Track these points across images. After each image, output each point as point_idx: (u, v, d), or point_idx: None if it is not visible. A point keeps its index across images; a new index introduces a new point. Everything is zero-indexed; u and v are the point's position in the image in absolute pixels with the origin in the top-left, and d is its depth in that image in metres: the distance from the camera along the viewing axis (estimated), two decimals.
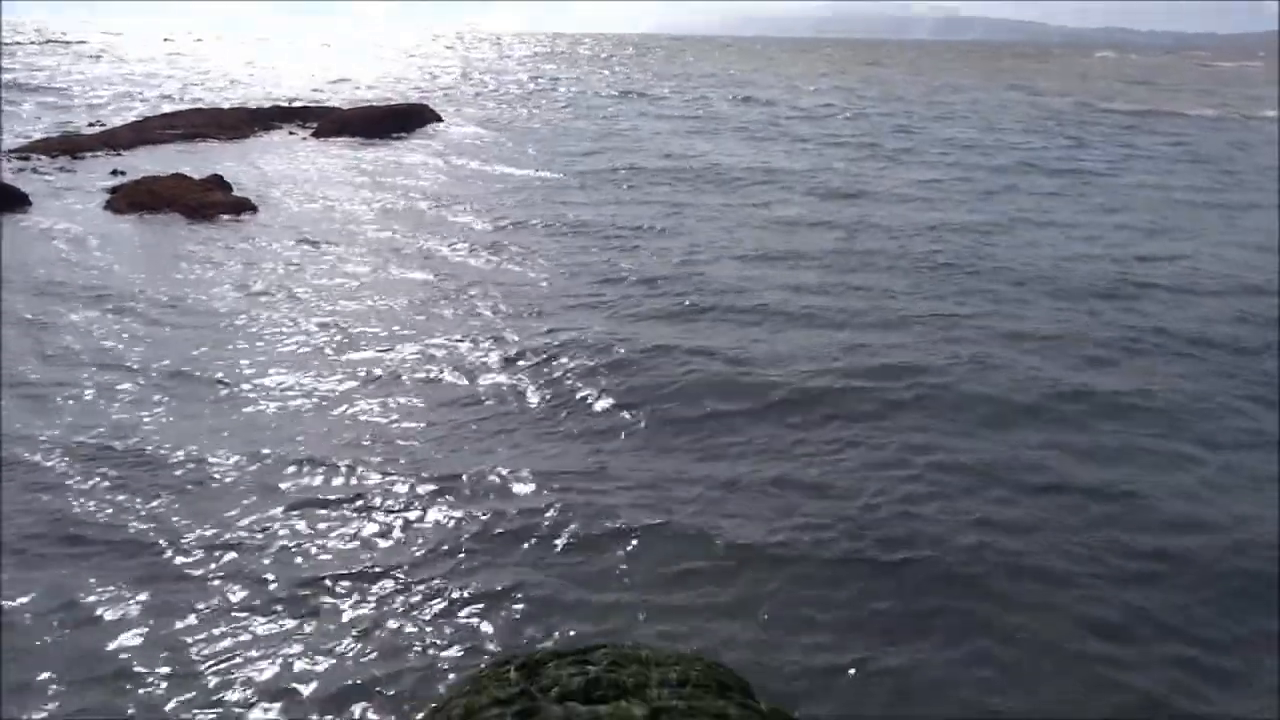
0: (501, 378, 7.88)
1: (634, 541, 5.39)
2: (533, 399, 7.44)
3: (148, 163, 17.93)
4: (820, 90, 34.13)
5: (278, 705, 4.25)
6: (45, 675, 4.35)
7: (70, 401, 7.39)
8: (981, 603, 4.86)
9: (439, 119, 25.31)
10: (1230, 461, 6.40)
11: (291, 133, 23.33)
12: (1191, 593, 4.96)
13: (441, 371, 8.06)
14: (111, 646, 4.58)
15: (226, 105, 26.86)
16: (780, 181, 16.98)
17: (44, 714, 4.12)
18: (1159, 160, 20.51)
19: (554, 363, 8.06)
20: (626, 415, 7.08)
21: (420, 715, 3.94)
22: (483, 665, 4.05)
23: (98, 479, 6.10)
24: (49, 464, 6.30)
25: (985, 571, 5.09)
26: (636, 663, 3.51)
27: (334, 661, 4.57)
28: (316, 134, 23.07)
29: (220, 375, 7.98)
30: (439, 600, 5.05)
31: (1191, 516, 5.67)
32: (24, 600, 4.89)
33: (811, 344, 8.55)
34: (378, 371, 8.09)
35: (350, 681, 4.44)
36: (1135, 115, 28.99)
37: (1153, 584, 5.02)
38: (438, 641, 4.69)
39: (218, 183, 15.46)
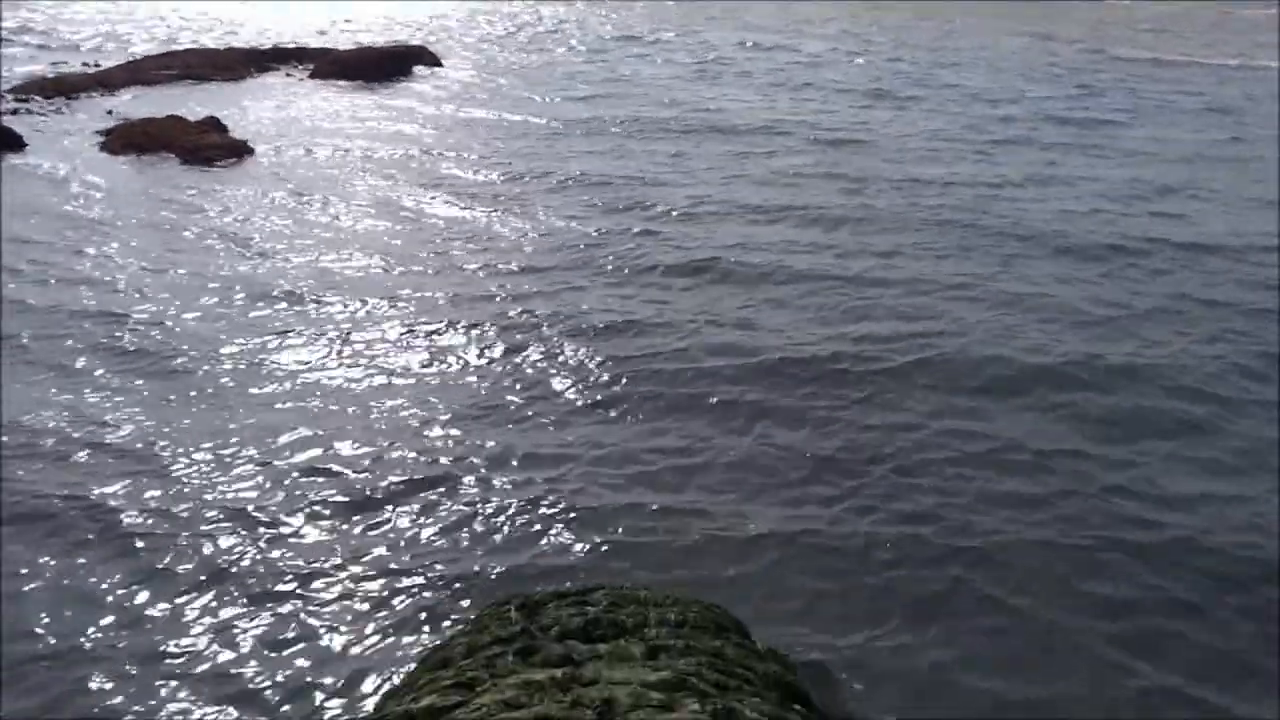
0: (493, 337, 7.77)
1: (632, 515, 5.31)
2: (525, 362, 7.29)
3: (142, 104, 17.66)
4: (828, 35, 33.39)
5: (273, 652, 4.32)
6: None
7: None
8: (991, 576, 4.81)
9: (439, 62, 24.85)
10: (1245, 431, 6.29)
11: (288, 74, 22.93)
12: (1206, 574, 4.89)
13: (427, 326, 8.00)
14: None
15: (222, 46, 26.34)
16: (785, 130, 16.72)
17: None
18: (1173, 111, 20.14)
19: (547, 327, 7.86)
20: (623, 383, 6.92)
21: (423, 654, 4.02)
22: (484, 606, 4.12)
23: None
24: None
25: (996, 546, 5.03)
26: (635, 603, 3.56)
27: (335, 605, 4.65)
28: (313, 75, 22.68)
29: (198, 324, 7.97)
30: (439, 545, 5.11)
31: (1205, 491, 5.57)
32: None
33: (816, 306, 8.39)
34: (366, 324, 8.06)
35: (353, 621, 4.51)
36: (1150, 64, 28.43)
37: (1167, 561, 4.94)
38: (439, 584, 4.75)
39: (214, 125, 15.23)
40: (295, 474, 5.73)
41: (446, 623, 4.41)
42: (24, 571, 4.79)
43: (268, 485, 5.61)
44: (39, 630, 4.35)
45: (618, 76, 23.65)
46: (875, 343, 7.57)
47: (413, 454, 5.92)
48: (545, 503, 5.40)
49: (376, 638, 4.38)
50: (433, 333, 7.84)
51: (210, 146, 14.11)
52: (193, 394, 6.68)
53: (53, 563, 4.86)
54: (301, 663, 4.21)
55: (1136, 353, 7.42)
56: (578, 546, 5.00)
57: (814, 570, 4.86)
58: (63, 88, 19.11)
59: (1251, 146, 16.41)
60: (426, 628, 4.42)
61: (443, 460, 5.88)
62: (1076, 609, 4.59)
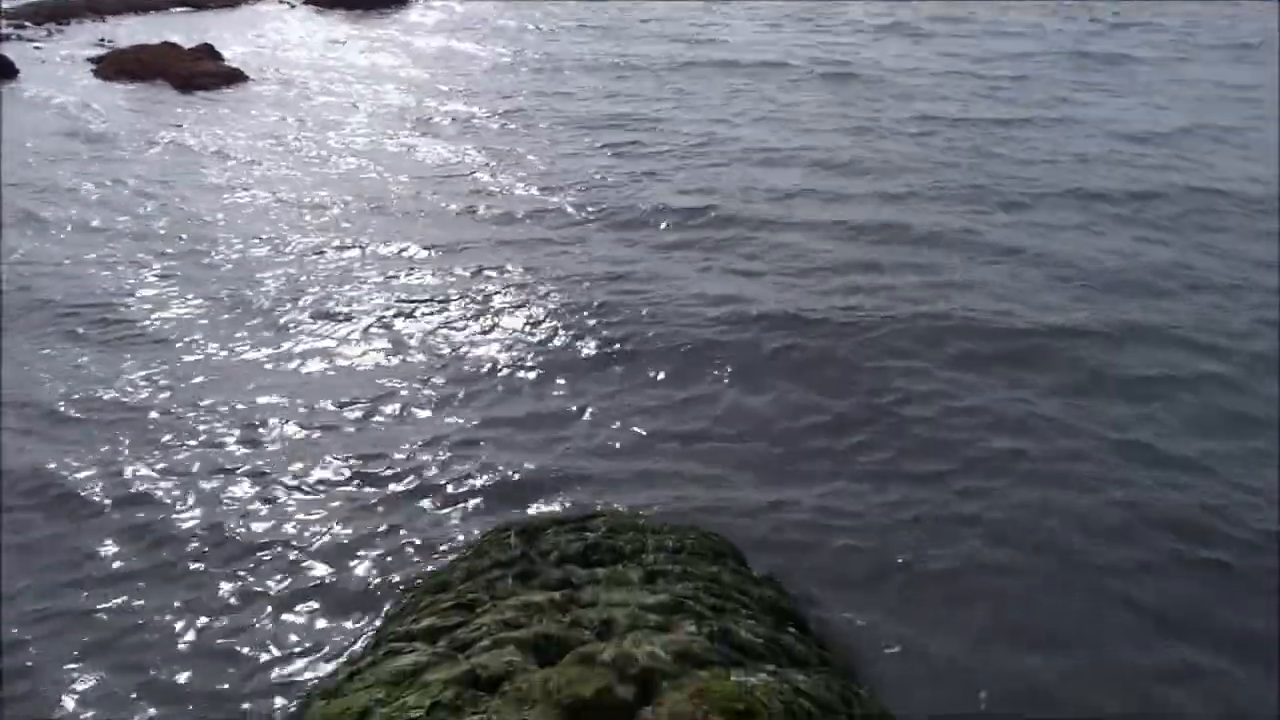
0: (488, 280, 7.65)
1: (632, 459, 5.23)
2: (522, 308, 7.14)
3: (136, 30, 17.28)
4: None
5: (282, 570, 4.38)
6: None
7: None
8: (997, 532, 4.71)
9: None
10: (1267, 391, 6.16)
11: (282, 2, 22.38)
12: (1230, 540, 4.85)
13: (421, 262, 7.92)
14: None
15: None
16: (791, 66, 16.34)
17: None
18: (1192, 47, 19.58)
19: (540, 284, 7.57)
20: (623, 330, 6.69)
21: (425, 578, 4.08)
22: (485, 531, 4.17)
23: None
24: None
25: (1003, 502, 4.93)
26: (634, 530, 3.60)
27: (338, 526, 4.70)
28: (309, 3, 22.14)
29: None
30: (440, 475, 5.15)
31: (1227, 451, 5.43)
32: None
33: (818, 262, 7.91)
34: (357, 259, 8.00)
35: (357, 545, 4.56)
36: None
37: (1189, 525, 4.85)
38: (440, 511, 4.80)
39: (208, 52, 14.93)
40: (287, 399, 5.78)
41: (445, 547, 4.46)
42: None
43: (267, 399, 5.71)
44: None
45: (622, 8, 23.05)
46: (877, 296, 7.28)
47: (404, 391, 5.92)
48: (541, 442, 5.38)
49: (375, 566, 4.44)
50: (425, 271, 7.77)
51: (204, 74, 13.84)
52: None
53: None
54: (300, 591, 4.27)
55: (1151, 309, 7.10)
56: (577, 486, 5.01)
57: (817, 509, 4.81)
58: (54, 14, 18.69)
59: (1271, 90, 15.98)
60: (425, 555, 4.47)
61: (435, 396, 5.88)
62: (1086, 569, 4.53)
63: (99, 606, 4.12)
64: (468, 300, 7.19)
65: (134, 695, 3.69)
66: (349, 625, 4.05)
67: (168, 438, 5.35)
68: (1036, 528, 4.60)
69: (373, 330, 6.74)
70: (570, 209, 9.18)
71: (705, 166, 10.69)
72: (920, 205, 9.44)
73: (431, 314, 6.97)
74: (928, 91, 14.50)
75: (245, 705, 3.65)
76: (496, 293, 7.31)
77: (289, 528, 4.66)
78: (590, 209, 9.19)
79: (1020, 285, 7.48)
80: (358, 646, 3.68)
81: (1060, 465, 5.14)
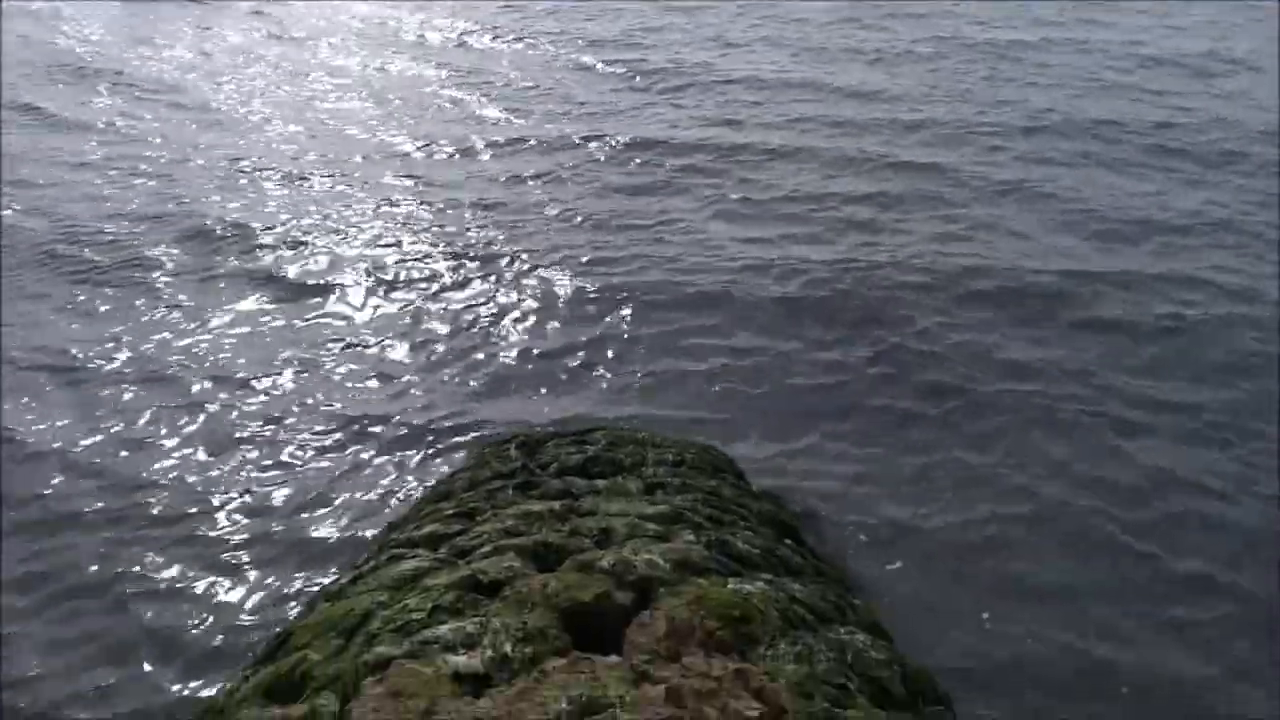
0: (495, 203, 7.51)
1: (634, 398, 5.18)
2: (522, 250, 7.01)
3: None
4: None
5: (285, 483, 4.44)
6: None
7: None
8: (1003, 455, 4.72)
9: None
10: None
11: None
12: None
13: (424, 186, 7.79)
14: None
15: None
16: None
17: None
18: None
19: (542, 219, 7.37)
20: (625, 268, 6.47)
21: (428, 488, 4.12)
22: (485, 445, 4.20)
23: None
24: None
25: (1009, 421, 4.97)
26: (633, 444, 3.61)
27: (343, 435, 4.74)
28: None
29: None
30: (444, 388, 5.16)
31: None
32: None
33: (828, 203, 7.73)
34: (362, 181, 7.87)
35: (363, 453, 4.61)
36: None
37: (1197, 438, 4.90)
38: (444, 424, 4.83)
39: None
40: (293, 316, 5.79)
41: (441, 458, 4.51)
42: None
43: (274, 322, 5.71)
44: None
45: None
46: (888, 237, 7.05)
47: (404, 322, 5.89)
48: (542, 375, 5.31)
49: (376, 478, 4.49)
50: (427, 194, 7.65)
51: None
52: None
53: None
54: (303, 499, 4.33)
55: (1173, 262, 6.60)
56: (580, 408, 5.00)
57: (822, 440, 4.78)
58: None
59: None
60: (426, 468, 4.51)
61: (436, 330, 5.84)
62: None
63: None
64: (466, 236, 6.99)
65: (139, 605, 3.78)
66: (351, 535, 4.12)
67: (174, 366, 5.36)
68: (1042, 473, 4.55)
69: (370, 259, 6.62)
70: (576, 137, 8.88)
71: (712, 89, 10.27)
72: (936, 134, 9.07)
73: (430, 249, 6.76)
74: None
75: (254, 612, 3.74)
76: (495, 224, 7.14)
77: (291, 450, 4.71)
78: (591, 133, 8.89)
79: (1036, 225, 7.21)
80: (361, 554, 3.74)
81: (1072, 408, 5.03)
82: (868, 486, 4.41)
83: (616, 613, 2.46)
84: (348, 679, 2.23)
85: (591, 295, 6.05)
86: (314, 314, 5.91)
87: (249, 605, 3.78)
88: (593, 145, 8.64)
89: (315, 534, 4.13)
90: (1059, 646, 3.58)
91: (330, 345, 5.55)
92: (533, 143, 8.74)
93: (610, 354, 5.46)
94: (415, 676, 2.13)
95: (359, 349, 5.54)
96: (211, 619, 3.71)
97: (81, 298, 6.04)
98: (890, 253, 6.62)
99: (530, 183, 7.88)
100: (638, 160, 8.35)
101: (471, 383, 5.23)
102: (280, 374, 5.23)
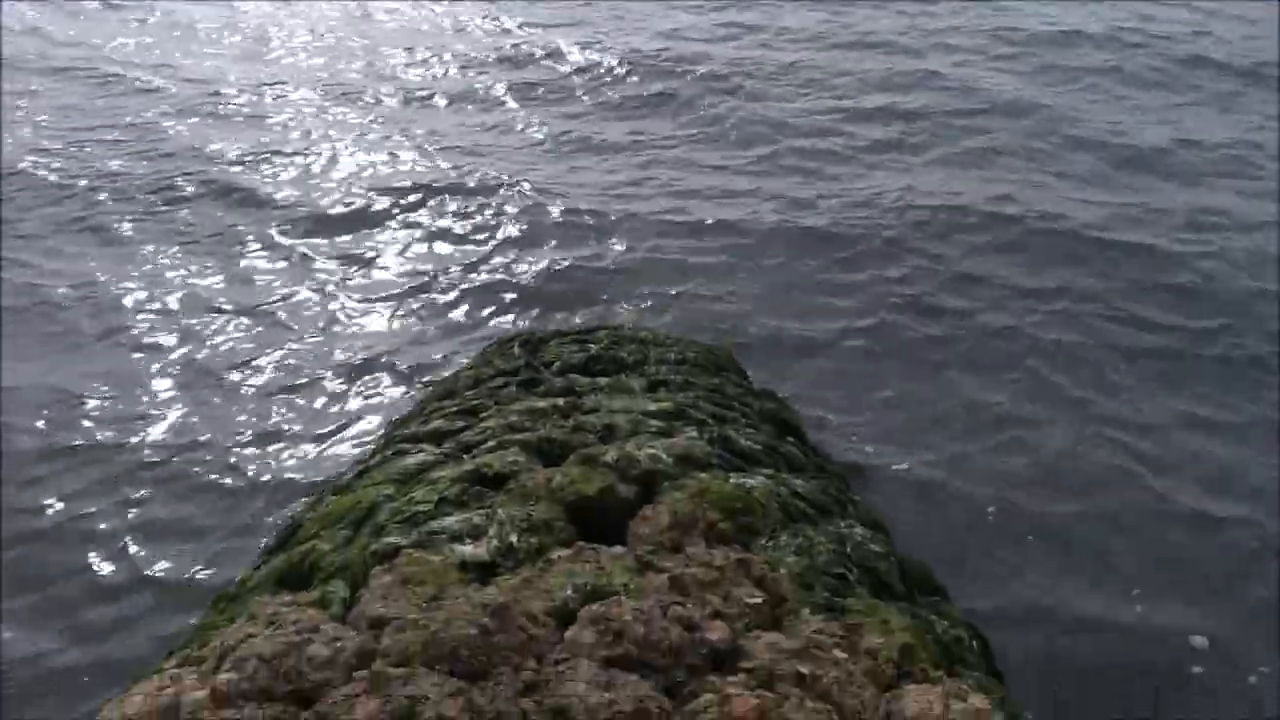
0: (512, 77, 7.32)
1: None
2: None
3: None
4: None
5: (291, 363, 4.46)
6: None
7: None
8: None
9: None
10: None
11: None
12: None
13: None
14: None
15: None
16: None
17: None
18: None
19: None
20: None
21: (430, 384, 4.14)
22: (488, 343, 4.19)
23: None
24: None
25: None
26: (636, 342, 3.60)
27: (342, 340, 4.73)
28: None
29: None
30: (449, 286, 5.14)
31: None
32: None
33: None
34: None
35: (369, 348, 4.63)
36: None
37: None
38: (448, 320, 4.82)
39: None
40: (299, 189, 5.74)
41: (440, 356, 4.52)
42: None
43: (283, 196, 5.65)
44: None
45: None
46: (904, 157, 6.76)
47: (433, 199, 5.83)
48: (542, 284, 5.25)
49: (379, 374, 4.50)
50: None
51: None
52: None
53: None
54: (304, 394, 4.36)
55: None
56: (582, 306, 4.97)
57: (828, 354, 4.76)
58: None
59: None
60: (430, 364, 4.52)
61: (445, 237, 5.77)
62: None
63: None
64: (463, 161, 6.73)
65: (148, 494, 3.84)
66: (354, 434, 4.16)
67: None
68: (1050, 396, 4.51)
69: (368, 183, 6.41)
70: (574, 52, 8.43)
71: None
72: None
73: (428, 176, 6.55)
74: None
75: (264, 502, 3.80)
76: (490, 149, 6.88)
77: (293, 344, 4.70)
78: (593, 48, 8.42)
79: (1058, 161, 6.85)
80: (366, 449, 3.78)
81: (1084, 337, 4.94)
82: (874, 404, 4.41)
83: (620, 506, 2.49)
84: (356, 568, 2.27)
85: (594, 220, 5.93)
86: (315, 240, 5.80)
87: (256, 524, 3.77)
88: (596, 59, 8.26)
89: (325, 453, 4.13)
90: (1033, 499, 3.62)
91: (326, 273, 5.46)
92: (532, 55, 8.37)
93: (616, 276, 5.38)
94: (423, 565, 2.17)
95: (354, 279, 5.44)
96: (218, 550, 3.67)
97: (74, 232, 5.91)
98: (907, 176, 6.43)
99: (526, 101, 7.59)
100: (642, 77, 8.01)
101: (468, 303, 5.17)
102: (280, 305, 5.13)
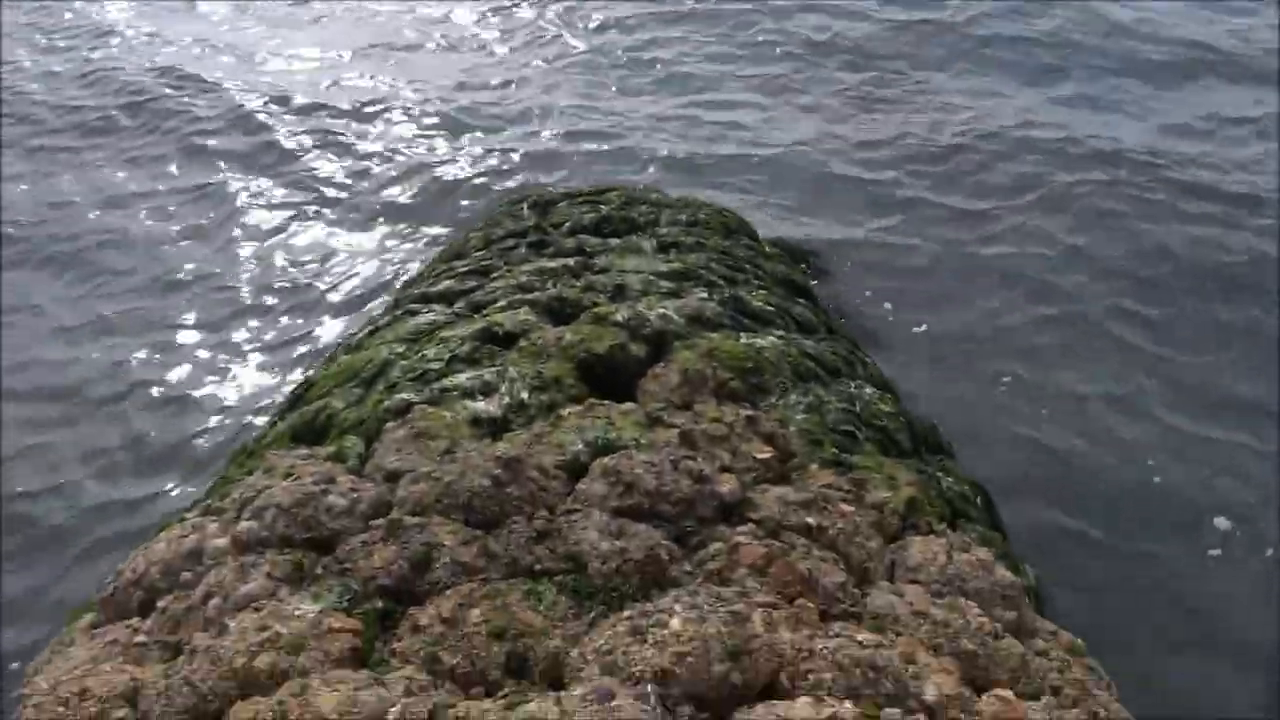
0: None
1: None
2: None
3: None
4: None
5: (304, 245, 4.41)
6: None
7: None
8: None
9: None
10: None
11: None
12: None
13: None
14: None
15: None
16: None
17: None
18: None
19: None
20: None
21: (441, 248, 4.09)
22: (498, 204, 4.11)
23: None
24: None
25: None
26: (647, 204, 3.52)
27: (365, 184, 4.66)
28: None
29: None
30: (458, 149, 5.01)
31: None
32: None
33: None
34: None
35: (378, 209, 4.56)
36: None
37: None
38: (458, 176, 4.73)
39: None
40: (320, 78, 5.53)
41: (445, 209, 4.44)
42: None
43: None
44: None
45: None
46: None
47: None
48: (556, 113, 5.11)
49: (391, 233, 4.45)
50: None
51: None
52: None
53: None
54: (316, 255, 4.32)
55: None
56: (595, 164, 4.82)
57: (846, 217, 4.62)
58: None
59: None
60: (440, 224, 4.46)
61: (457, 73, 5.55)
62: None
63: None
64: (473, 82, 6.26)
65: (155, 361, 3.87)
66: (363, 294, 4.15)
67: None
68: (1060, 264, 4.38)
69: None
70: None
71: None
72: None
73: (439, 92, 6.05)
74: None
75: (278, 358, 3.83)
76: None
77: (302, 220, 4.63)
78: None
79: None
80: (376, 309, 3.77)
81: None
82: (887, 265, 4.30)
83: (631, 364, 2.49)
84: (370, 424, 2.30)
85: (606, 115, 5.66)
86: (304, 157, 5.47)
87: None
88: None
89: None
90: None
91: (323, 186, 5.17)
92: None
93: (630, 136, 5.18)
94: (436, 420, 2.19)
95: (353, 183, 5.15)
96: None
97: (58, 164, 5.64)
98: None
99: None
100: None
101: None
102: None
